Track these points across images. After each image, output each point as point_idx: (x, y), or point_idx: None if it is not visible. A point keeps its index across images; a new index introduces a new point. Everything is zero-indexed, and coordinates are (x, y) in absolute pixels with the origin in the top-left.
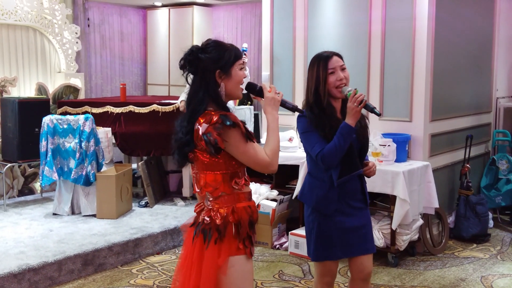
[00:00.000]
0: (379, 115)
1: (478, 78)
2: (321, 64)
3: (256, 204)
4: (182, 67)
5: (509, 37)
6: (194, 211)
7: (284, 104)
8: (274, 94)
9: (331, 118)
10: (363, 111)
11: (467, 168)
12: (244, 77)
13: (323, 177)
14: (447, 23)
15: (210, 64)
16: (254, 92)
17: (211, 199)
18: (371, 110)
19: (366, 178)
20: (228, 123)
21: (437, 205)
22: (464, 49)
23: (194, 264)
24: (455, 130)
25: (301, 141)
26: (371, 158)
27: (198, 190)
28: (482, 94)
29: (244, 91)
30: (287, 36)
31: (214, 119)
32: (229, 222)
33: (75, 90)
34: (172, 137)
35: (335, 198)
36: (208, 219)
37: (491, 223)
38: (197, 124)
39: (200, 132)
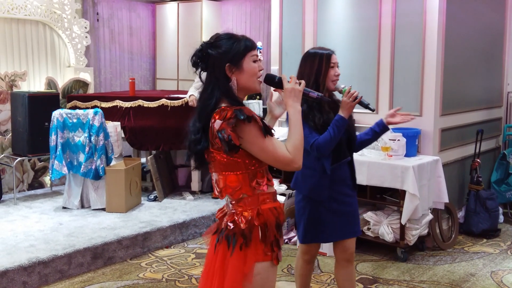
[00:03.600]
0: (373, 110)
1: (488, 73)
2: (324, 58)
3: (282, 205)
4: (194, 64)
5: None
6: (216, 217)
7: (307, 94)
8: (294, 84)
9: (322, 111)
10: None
11: (478, 163)
12: (259, 70)
13: (314, 166)
14: (458, 18)
15: (219, 58)
16: (273, 84)
17: (233, 202)
18: (366, 106)
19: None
20: (242, 117)
21: (447, 200)
22: (475, 43)
23: (216, 273)
24: (466, 124)
25: None
26: (380, 153)
27: (217, 193)
28: (492, 88)
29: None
30: (296, 30)
31: (228, 115)
32: (254, 226)
33: (84, 84)
34: (185, 140)
35: (326, 185)
36: (231, 224)
37: (501, 218)
38: (212, 121)
39: (215, 130)
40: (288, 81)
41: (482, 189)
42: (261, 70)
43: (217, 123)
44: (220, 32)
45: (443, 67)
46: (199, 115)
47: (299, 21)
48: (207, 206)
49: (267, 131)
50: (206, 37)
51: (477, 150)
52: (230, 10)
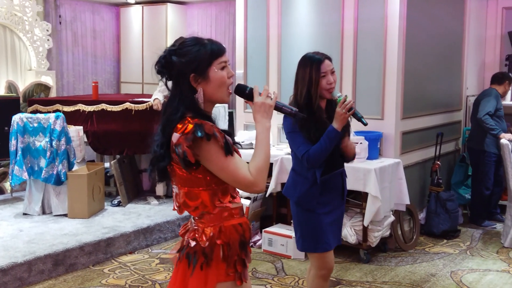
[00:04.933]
0: (365, 124)
1: (448, 77)
2: (314, 67)
3: (247, 221)
4: (158, 72)
5: (478, 36)
6: (179, 234)
7: (280, 109)
8: (265, 98)
9: (318, 120)
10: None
11: (438, 165)
12: (229, 76)
13: (306, 175)
14: (418, 23)
15: (183, 67)
16: (243, 95)
17: (196, 218)
18: (359, 119)
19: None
20: (200, 134)
21: (408, 202)
22: (434, 48)
23: None
24: (426, 127)
25: (287, 140)
26: None
27: (176, 208)
28: (452, 92)
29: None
30: (261, 34)
31: (188, 129)
32: (216, 244)
33: (46, 88)
34: (150, 150)
35: (316, 194)
36: (193, 242)
37: (460, 219)
38: (174, 132)
39: (172, 143)
40: (260, 94)
41: (442, 190)
42: (230, 77)
43: (174, 137)
44: (186, 35)
45: (404, 71)
46: (163, 130)
47: (263, 25)
48: (172, 211)
49: (228, 150)
50: (171, 41)
51: (437, 153)
52: (195, 13)
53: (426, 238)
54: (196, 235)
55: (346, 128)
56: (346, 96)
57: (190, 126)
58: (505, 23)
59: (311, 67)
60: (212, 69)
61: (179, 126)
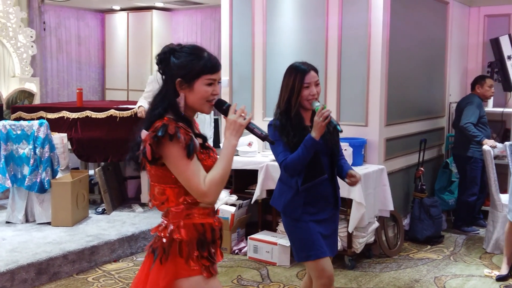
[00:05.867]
0: (340, 131)
1: (431, 84)
2: (298, 77)
3: (217, 222)
4: (156, 63)
5: (461, 44)
6: (151, 230)
7: (251, 130)
8: (237, 117)
9: (296, 126)
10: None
11: (421, 171)
12: (213, 94)
13: (290, 183)
14: (402, 30)
15: (174, 70)
16: (221, 110)
17: (163, 213)
18: (334, 126)
19: (343, 184)
20: (160, 133)
21: (392, 208)
22: (418, 55)
23: (139, 285)
24: (410, 134)
25: (271, 149)
26: None
27: (148, 202)
28: (435, 99)
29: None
30: (246, 41)
31: (157, 128)
32: (173, 240)
33: (30, 95)
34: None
35: (300, 202)
36: (157, 237)
37: (444, 225)
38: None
39: (142, 139)
40: (236, 112)
41: (426, 196)
42: (215, 95)
43: (143, 133)
44: (189, 42)
45: (388, 78)
46: (145, 122)
47: (248, 32)
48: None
49: (189, 153)
50: (156, 47)
51: (421, 159)
52: (180, 20)
53: (410, 244)
54: (159, 230)
55: (335, 150)
56: (324, 105)
57: (159, 125)
58: (487, 31)
59: (296, 76)
60: (198, 82)
61: (155, 123)
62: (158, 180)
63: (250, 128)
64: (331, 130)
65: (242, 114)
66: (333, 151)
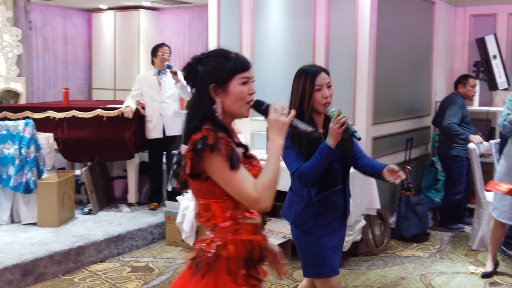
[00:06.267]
0: (359, 139)
1: (418, 83)
2: (308, 79)
3: (264, 240)
4: (185, 78)
5: (447, 43)
6: (194, 243)
7: (295, 127)
8: (279, 115)
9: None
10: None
11: (408, 170)
12: (250, 93)
13: (302, 193)
14: (388, 30)
15: (205, 76)
16: (260, 111)
17: (209, 229)
18: (352, 133)
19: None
20: (199, 146)
21: (378, 206)
22: (404, 54)
23: None
24: (396, 133)
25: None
26: None
27: (195, 217)
28: (422, 98)
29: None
30: (233, 40)
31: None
32: (220, 256)
33: (15, 94)
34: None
35: (313, 214)
36: (202, 250)
37: (430, 222)
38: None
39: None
40: (276, 110)
41: (412, 195)
42: (252, 94)
43: (182, 148)
44: (213, 47)
45: (375, 77)
46: (184, 138)
47: (236, 31)
48: (144, 218)
49: (233, 164)
50: (143, 47)
51: (407, 158)
52: (168, 19)
53: (396, 242)
54: (204, 245)
55: (349, 158)
56: (339, 111)
57: (197, 138)
58: (473, 30)
59: (306, 79)
60: (232, 83)
61: (193, 136)
62: (202, 195)
63: (294, 125)
64: (344, 137)
65: (284, 112)
66: (347, 159)
